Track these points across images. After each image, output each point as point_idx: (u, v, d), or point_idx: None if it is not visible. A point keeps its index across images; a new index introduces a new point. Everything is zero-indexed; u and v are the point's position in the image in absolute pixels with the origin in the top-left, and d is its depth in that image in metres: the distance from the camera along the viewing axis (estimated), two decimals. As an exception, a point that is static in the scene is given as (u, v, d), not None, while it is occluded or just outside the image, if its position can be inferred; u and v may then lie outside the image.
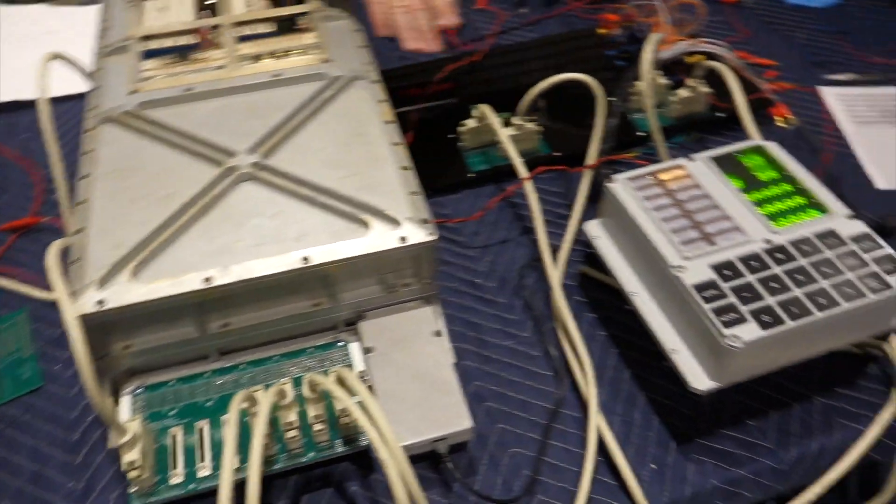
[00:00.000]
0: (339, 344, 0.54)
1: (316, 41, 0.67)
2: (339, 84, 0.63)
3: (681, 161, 0.55)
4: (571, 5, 0.92)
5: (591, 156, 0.68)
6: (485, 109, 0.68)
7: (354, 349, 0.54)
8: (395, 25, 0.65)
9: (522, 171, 0.63)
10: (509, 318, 0.60)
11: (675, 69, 0.78)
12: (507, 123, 0.70)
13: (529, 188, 0.62)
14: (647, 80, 0.63)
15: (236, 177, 0.55)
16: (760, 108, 0.76)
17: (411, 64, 0.84)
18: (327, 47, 0.66)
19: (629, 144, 0.72)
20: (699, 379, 0.46)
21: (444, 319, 0.56)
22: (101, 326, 0.48)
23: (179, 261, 0.50)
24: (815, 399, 0.54)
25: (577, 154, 0.69)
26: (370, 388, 0.50)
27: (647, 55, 0.62)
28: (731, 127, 0.76)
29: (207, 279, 0.48)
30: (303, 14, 0.71)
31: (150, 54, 0.67)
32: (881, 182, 0.70)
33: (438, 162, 0.71)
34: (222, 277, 0.48)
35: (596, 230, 0.56)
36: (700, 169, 0.54)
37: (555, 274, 0.58)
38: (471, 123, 0.70)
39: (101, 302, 0.46)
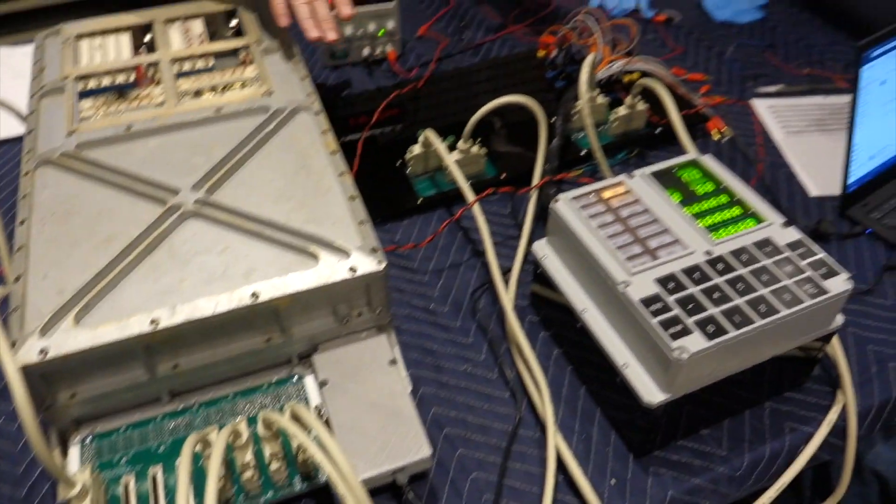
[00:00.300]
0: (295, 378, 0.54)
1: (257, 74, 0.67)
2: (282, 116, 0.62)
3: (621, 178, 0.56)
4: (511, 29, 0.94)
5: (536, 176, 0.69)
6: (429, 135, 0.69)
7: (310, 383, 0.53)
8: (295, 15, 0.67)
9: (469, 194, 0.64)
10: (464, 343, 0.60)
11: (613, 88, 0.80)
12: (452, 148, 0.70)
13: (477, 211, 0.63)
14: (585, 100, 0.64)
15: (180, 214, 0.54)
16: (697, 123, 0.79)
17: (357, 93, 0.84)
18: (268, 80, 0.66)
19: (573, 163, 0.74)
20: (651, 392, 0.47)
21: (400, 347, 0.56)
22: (44, 376, 0.46)
23: (124, 304, 0.49)
24: (765, 405, 0.56)
25: (524, 175, 0.71)
26: (327, 421, 0.49)
27: (584, 76, 0.64)
28: (670, 141, 0.78)
29: (154, 321, 0.47)
30: (243, 48, 0.71)
31: (86, 94, 0.66)
32: (814, 189, 0.73)
33: (387, 189, 0.72)
34: (169, 318, 0.47)
35: (543, 250, 0.57)
36: (640, 185, 0.55)
37: (506, 296, 0.58)
38: (417, 150, 0.71)
39: (43, 351, 0.45)
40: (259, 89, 0.65)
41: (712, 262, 0.49)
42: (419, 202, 0.70)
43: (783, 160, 0.76)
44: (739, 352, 0.47)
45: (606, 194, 0.55)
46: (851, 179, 0.69)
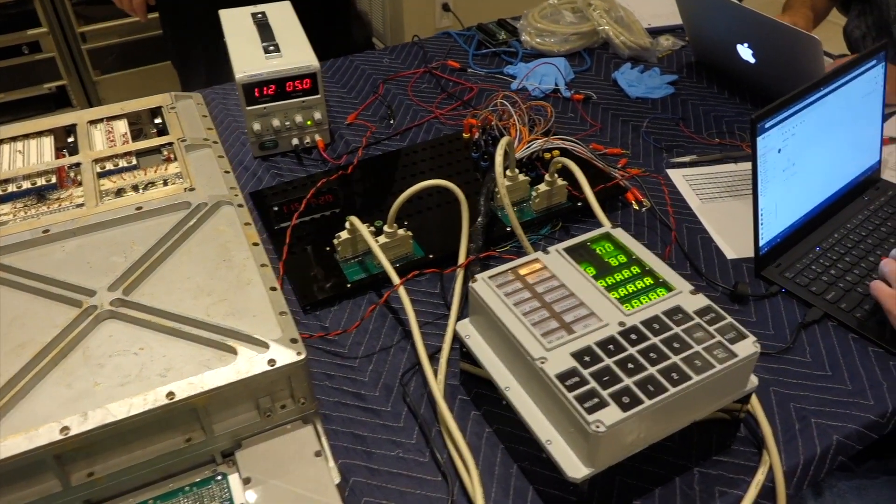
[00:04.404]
0: (218, 478, 0.52)
1: (179, 170, 0.68)
2: (204, 211, 0.63)
3: (537, 255, 0.58)
4: (437, 114, 0.97)
5: (461, 256, 0.70)
6: (353, 220, 0.70)
7: (234, 481, 0.52)
8: None
9: (395, 277, 0.65)
10: (395, 427, 0.59)
11: (535, 166, 0.83)
12: (381, 231, 0.71)
13: (403, 294, 0.63)
14: (500, 181, 0.66)
15: (95, 317, 0.53)
16: (617, 194, 0.82)
17: (287, 181, 0.85)
18: (191, 175, 0.67)
19: (500, 240, 0.76)
20: (575, 467, 0.47)
21: (329, 435, 0.55)
22: (-53, 495, 0.44)
23: (35, 412, 0.47)
24: (694, 470, 0.56)
25: (452, 254, 0.72)
26: (250, 522, 0.48)
27: (498, 158, 0.66)
28: (591, 214, 0.81)
29: (64, 429, 0.46)
30: (166, 145, 0.71)
31: (5, 198, 0.65)
32: (730, 252, 0.76)
33: (317, 275, 0.72)
34: (80, 425, 0.46)
35: (467, 329, 0.58)
36: (555, 261, 0.57)
37: (433, 379, 0.59)
38: (344, 235, 0.72)
39: (-56, 469, 0.43)
40: (181, 185, 0.66)
41: (625, 333, 0.51)
42: (348, 286, 0.71)
43: (701, 226, 0.80)
44: (658, 420, 0.48)
45: (523, 271, 0.56)
46: (763, 242, 0.72)
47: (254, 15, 0.95)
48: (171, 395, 0.48)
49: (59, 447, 0.46)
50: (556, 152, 0.85)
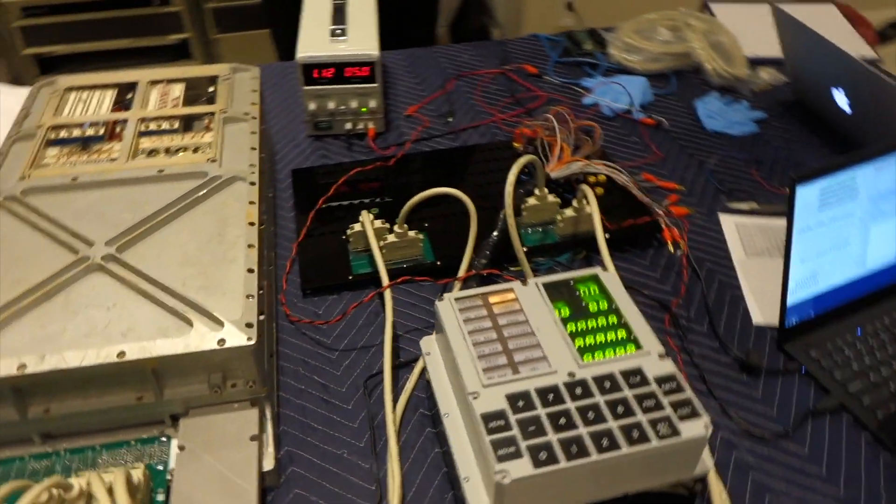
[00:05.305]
0: (163, 439, 0.55)
1: (211, 141, 0.71)
2: (217, 183, 0.65)
3: (513, 284, 0.56)
4: (497, 118, 0.95)
5: (463, 268, 0.69)
6: (364, 216, 0.70)
7: (175, 446, 0.54)
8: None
9: (384, 278, 0.65)
10: (349, 427, 0.60)
11: (573, 188, 0.80)
12: (391, 230, 0.71)
13: (388, 297, 0.63)
14: (508, 202, 0.64)
15: (86, 267, 0.57)
16: (654, 231, 0.77)
17: (330, 164, 0.87)
18: (218, 148, 0.69)
19: (514, 259, 0.73)
20: (484, 511, 0.46)
21: (280, 422, 0.56)
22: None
23: (5, 346, 0.51)
24: (637, 539, 0.53)
25: (459, 264, 0.71)
26: (168, 488, 0.50)
27: (511, 176, 0.64)
28: (620, 247, 0.77)
29: (21, 366, 0.49)
30: (207, 114, 0.75)
31: (55, 143, 0.71)
32: (757, 316, 0.70)
33: (325, 262, 0.73)
34: (36, 366, 0.50)
35: (430, 346, 0.57)
36: (530, 294, 0.55)
37: (389, 391, 0.58)
38: (357, 227, 0.72)
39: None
40: (205, 155, 0.69)
41: (571, 386, 0.48)
42: (350, 278, 0.71)
43: (736, 282, 0.74)
44: (577, 484, 0.45)
45: (493, 299, 0.55)
46: (792, 312, 0.65)
47: (335, -3, 0.97)
48: (121, 354, 0.51)
49: (15, 381, 0.50)
50: (602, 177, 0.81)
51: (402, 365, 0.64)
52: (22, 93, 0.94)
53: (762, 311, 0.70)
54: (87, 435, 0.55)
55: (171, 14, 1.77)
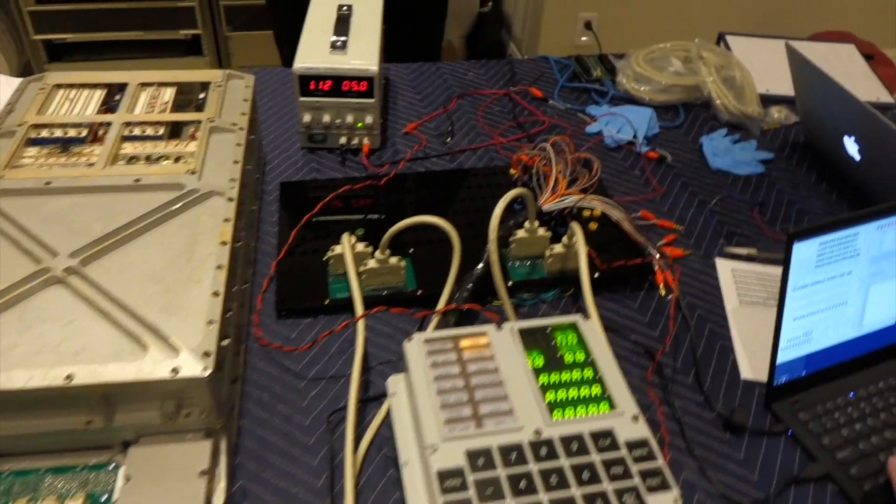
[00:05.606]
0: (110, 467, 0.53)
1: (194, 150, 0.69)
2: (194, 197, 0.63)
3: (487, 328, 0.53)
4: (495, 141, 0.93)
5: (442, 301, 0.66)
6: (345, 239, 0.68)
7: (123, 474, 0.52)
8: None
9: (359, 308, 0.62)
10: (307, 464, 0.57)
11: (566, 221, 0.77)
12: (373, 254, 0.69)
13: (360, 328, 0.61)
14: (492, 237, 0.62)
15: (46, 279, 0.55)
16: (646, 273, 0.75)
17: (320, 179, 0.85)
18: (199, 158, 0.67)
19: (495, 292, 0.71)
20: (433, 573, 0.43)
21: (236, 453, 0.54)
22: None
23: (-47, 358, 0.49)
24: None
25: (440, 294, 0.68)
26: (108, 521, 0.48)
27: (497, 209, 0.62)
28: (609, 286, 0.74)
29: (-36, 383, 0.47)
30: (194, 122, 0.73)
31: (36, 142, 0.69)
32: (746, 371, 0.67)
33: (303, 283, 0.71)
34: (-20, 384, 0.47)
35: (396, 385, 0.54)
36: (503, 340, 0.52)
37: (351, 430, 0.55)
38: (338, 249, 0.70)
39: None
40: (185, 166, 0.66)
41: (536, 445, 0.45)
42: (326, 302, 0.69)
43: (726, 331, 0.71)
44: (534, 553, 0.43)
45: (464, 343, 0.52)
46: (782, 371, 0.62)
47: (340, 6, 0.95)
48: (69, 377, 0.48)
49: (-43, 398, 0.48)
50: (598, 211, 0.79)
51: (372, 399, 0.62)
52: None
53: (752, 366, 0.67)
54: (33, 456, 0.53)
55: (185, 9, 1.76)
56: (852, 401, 0.63)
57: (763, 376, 0.65)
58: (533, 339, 0.53)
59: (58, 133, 0.70)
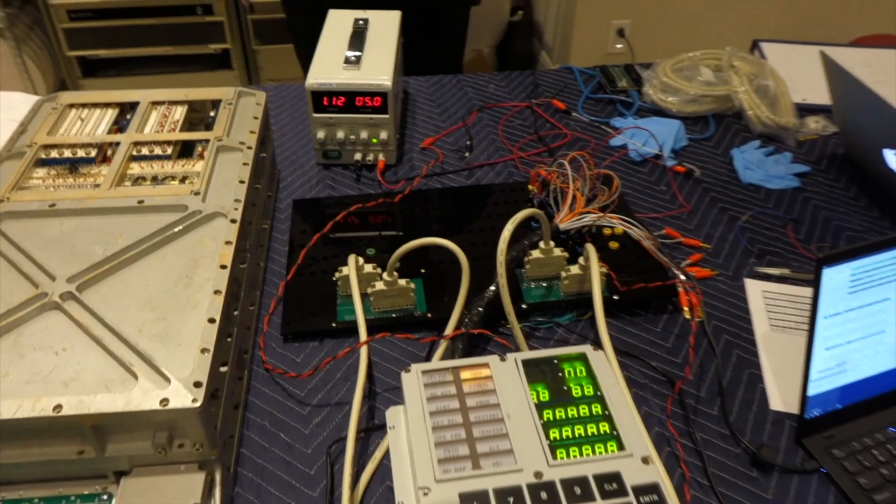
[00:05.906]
0: (104, 497, 0.51)
1: (200, 170, 0.68)
2: (197, 219, 0.62)
3: (490, 359, 0.50)
4: (514, 155, 0.90)
5: (451, 325, 0.64)
6: (351, 260, 0.66)
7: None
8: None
9: (363, 334, 0.60)
10: (307, 495, 0.55)
11: (584, 241, 0.74)
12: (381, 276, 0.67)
13: (363, 353, 0.59)
14: (500, 259, 0.59)
15: (42, 304, 0.54)
16: (669, 296, 0.71)
17: (333, 196, 0.83)
18: (205, 178, 0.66)
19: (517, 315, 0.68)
20: None
21: (234, 483, 0.52)
22: None
23: (-55, 386, 0.49)
24: None
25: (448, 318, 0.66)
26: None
27: (506, 232, 0.59)
28: (630, 310, 0.70)
29: (-47, 413, 0.46)
30: (202, 141, 0.72)
31: (45, 162, 0.69)
32: (776, 402, 0.62)
33: (311, 305, 0.69)
34: (-33, 413, 0.47)
35: (395, 418, 0.52)
36: (506, 372, 0.49)
37: (349, 462, 0.53)
38: (346, 270, 0.68)
39: None
40: (189, 187, 0.65)
41: (536, 489, 0.42)
42: (333, 325, 0.67)
43: (755, 358, 0.66)
44: None
45: (465, 375, 0.49)
46: (813, 403, 0.58)
47: (356, 20, 0.93)
48: (58, 408, 0.47)
49: (-54, 427, 0.47)
50: (620, 229, 0.75)
51: (376, 428, 0.60)
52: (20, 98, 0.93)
53: (782, 396, 0.63)
54: (26, 485, 0.52)
55: (214, 24, 1.78)
56: (892, 436, 0.59)
57: (795, 408, 0.61)
58: (538, 372, 0.50)
59: (67, 153, 0.70)
